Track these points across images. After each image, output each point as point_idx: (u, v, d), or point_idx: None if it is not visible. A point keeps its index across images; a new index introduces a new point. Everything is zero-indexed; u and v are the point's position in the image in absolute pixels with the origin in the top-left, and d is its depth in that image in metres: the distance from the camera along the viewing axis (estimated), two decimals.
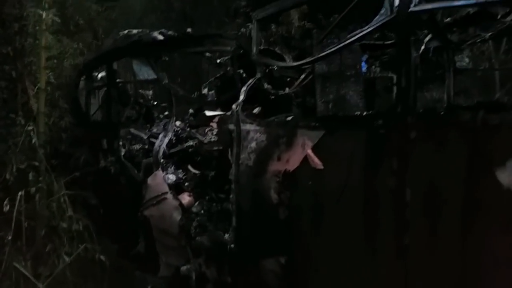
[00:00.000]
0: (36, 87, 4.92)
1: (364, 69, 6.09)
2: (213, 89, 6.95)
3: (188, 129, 6.04)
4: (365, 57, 6.18)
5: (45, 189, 4.62)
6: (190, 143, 5.47)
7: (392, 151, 2.34)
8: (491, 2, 1.98)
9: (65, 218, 4.22)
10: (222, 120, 3.98)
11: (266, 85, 3.81)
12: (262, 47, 7.50)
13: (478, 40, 4.11)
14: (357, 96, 3.38)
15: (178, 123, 6.61)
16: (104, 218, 5.57)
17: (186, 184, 4.70)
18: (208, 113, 6.03)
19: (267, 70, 3.92)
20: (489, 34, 3.95)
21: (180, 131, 6.04)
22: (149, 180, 4.71)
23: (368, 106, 3.62)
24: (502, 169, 1.89)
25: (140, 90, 9.72)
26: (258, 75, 3.75)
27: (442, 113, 3.37)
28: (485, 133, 1.99)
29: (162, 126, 6.09)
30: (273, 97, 5.51)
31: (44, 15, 4.41)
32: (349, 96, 3.30)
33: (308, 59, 3.15)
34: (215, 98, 6.68)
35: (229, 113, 3.90)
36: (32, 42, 5.04)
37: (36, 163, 4.49)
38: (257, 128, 3.37)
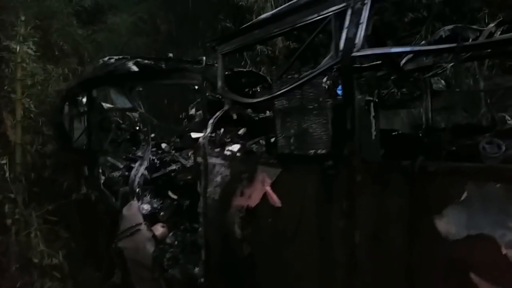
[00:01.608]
0: (14, 120, 4.95)
1: (341, 92, 6.13)
2: (200, 109, 6.98)
3: (173, 151, 6.07)
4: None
5: (22, 221, 4.62)
6: (173, 167, 5.50)
7: (341, 192, 2.35)
8: (425, 51, 2.01)
9: (37, 253, 4.21)
10: (197, 149, 3.99)
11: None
12: (246, 69, 7.60)
13: (439, 71, 4.13)
14: (321, 129, 3.39)
15: (164, 145, 6.64)
16: (83, 247, 5.56)
17: (162, 213, 4.70)
18: (194, 135, 6.06)
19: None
20: (450, 64, 3.99)
21: (164, 154, 6.08)
22: (124, 210, 4.71)
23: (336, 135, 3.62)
24: (440, 217, 1.90)
25: (127, 113, 9.76)
26: (226, 107, 3.78)
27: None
28: (423, 180, 2.00)
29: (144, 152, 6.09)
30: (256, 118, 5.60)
31: (18, 48, 4.45)
32: (312, 129, 3.31)
33: (265, 97, 3.17)
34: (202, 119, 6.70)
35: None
36: (9, 73, 5.09)
37: (12, 195, 4.49)
38: (222, 162, 3.39)
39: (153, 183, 5.22)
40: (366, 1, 2.29)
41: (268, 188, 2.86)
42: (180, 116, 10.69)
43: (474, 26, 4.78)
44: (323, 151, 2.63)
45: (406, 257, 2.03)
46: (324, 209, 2.47)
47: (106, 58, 5.63)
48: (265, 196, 2.90)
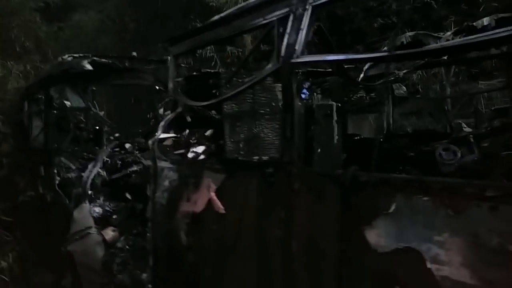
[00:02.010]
0: None
1: (305, 96, 6.13)
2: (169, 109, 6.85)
3: (136, 152, 5.92)
4: (306, 84, 6.22)
5: None
6: (135, 168, 5.36)
7: (279, 201, 2.30)
8: (359, 60, 1.98)
9: None
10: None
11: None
12: (214, 70, 7.50)
13: (391, 78, 4.14)
14: (273, 134, 3.34)
15: (127, 145, 6.47)
16: (36, 249, 5.38)
17: (114, 217, 4.57)
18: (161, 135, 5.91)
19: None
20: (404, 71, 4.00)
21: (127, 154, 5.92)
22: (75, 213, 4.56)
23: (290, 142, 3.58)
24: (370, 228, 1.86)
25: (92, 111, 9.52)
26: (179, 109, 3.69)
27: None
28: (355, 190, 1.96)
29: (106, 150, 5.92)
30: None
31: None
32: (264, 134, 3.25)
33: (212, 101, 3.10)
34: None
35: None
36: None
37: None
38: (170, 166, 3.29)
39: (112, 184, 5.09)
40: (307, 7, 2.24)
41: (213, 194, 2.78)
42: (148, 116, 10.51)
43: (435, 34, 4.83)
44: (273, 157, 2.57)
45: (338, 267, 1.99)
46: (263, 217, 2.41)
47: (65, 56, 5.46)
48: (210, 202, 2.82)
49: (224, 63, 9.78)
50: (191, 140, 3.69)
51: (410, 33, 5.06)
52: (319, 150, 5.64)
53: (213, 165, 2.89)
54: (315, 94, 5.89)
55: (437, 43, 4.52)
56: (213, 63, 9.76)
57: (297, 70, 2.31)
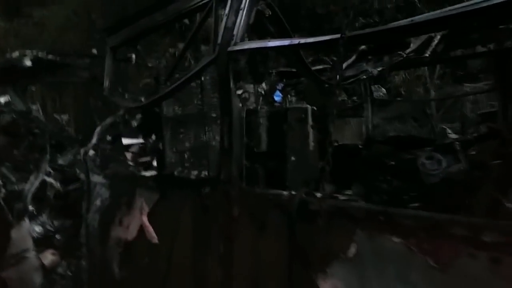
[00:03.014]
0: None
1: (278, 99, 5.66)
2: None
3: (98, 160, 5.36)
4: (280, 86, 5.74)
5: None
6: (95, 178, 4.80)
7: (216, 230, 1.78)
8: (306, 45, 1.49)
9: None
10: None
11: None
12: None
13: (363, 77, 3.66)
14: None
15: (91, 152, 5.89)
16: None
17: (57, 237, 3.99)
18: (126, 141, 5.38)
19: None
20: (379, 69, 3.52)
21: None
22: (13, 233, 3.96)
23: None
24: (323, 276, 1.36)
25: (54, 115, 8.92)
26: (121, 112, 3.16)
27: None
28: (304, 221, 1.46)
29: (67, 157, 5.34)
30: None
31: None
32: (215, 143, 2.73)
33: (148, 101, 2.57)
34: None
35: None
36: None
37: None
38: (103, 181, 2.76)
39: (68, 197, 4.52)
40: None
41: (145, 219, 2.25)
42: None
43: None
44: (206, 175, 2.05)
45: None
46: (198, 251, 1.89)
47: (16, 53, 4.90)
48: (143, 228, 2.30)
49: (197, 62, 9.22)
50: (134, 150, 3.16)
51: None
52: (292, 159, 5.16)
53: (146, 182, 2.36)
54: (289, 96, 5.41)
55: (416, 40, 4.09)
56: (186, 63, 9.21)
57: (236, 60, 1.79)
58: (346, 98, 9.52)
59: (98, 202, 2.75)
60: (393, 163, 4.72)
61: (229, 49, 1.72)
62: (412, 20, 1.22)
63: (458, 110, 7.74)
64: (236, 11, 1.77)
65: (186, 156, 2.61)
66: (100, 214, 2.71)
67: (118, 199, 2.56)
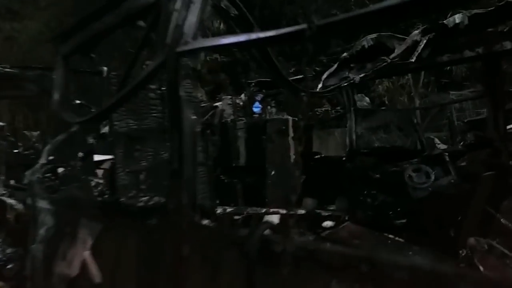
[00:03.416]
0: None
1: (257, 110, 5.38)
2: None
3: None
4: (259, 97, 5.45)
5: None
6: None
7: (163, 271, 1.43)
8: (268, 39, 1.18)
9: None
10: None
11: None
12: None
13: (344, 84, 3.39)
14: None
15: (60, 169, 5.51)
16: None
17: (9, 266, 3.59)
18: (97, 157, 5.02)
19: None
20: (361, 75, 3.25)
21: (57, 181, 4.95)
22: None
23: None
24: None
25: (25, 132, 8.51)
26: (75, 128, 2.82)
27: None
28: (264, 266, 1.12)
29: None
30: None
31: None
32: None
33: (96, 112, 2.22)
34: None
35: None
36: None
37: None
38: (48, 208, 2.39)
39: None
40: None
41: (87, 254, 1.89)
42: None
43: (399, 35, 4.12)
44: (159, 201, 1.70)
45: None
46: None
47: None
48: (86, 264, 1.93)
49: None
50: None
51: (371, 35, 4.36)
52: (272, 173, 4.85)
53: (90, 209, 2.00)
54: (269, 107, 5.12)
55: (400, 45, 3.83)
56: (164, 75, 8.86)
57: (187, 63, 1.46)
58: (329, 108, 9.25)
59: (42, 231, 2.38)
60: (378, 176, 4.44)
61: (178, 49, 1.40)
62: (387, 4, 0.91)
63: (444, 118, 7.57)
64: (187, 5, 1.45)
65: (141, 177, 2.26)
66: (44, 245, 2.34)
67: (62, 228, 2.19)
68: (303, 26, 1.05)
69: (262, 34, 1.17)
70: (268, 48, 2.02)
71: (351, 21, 1.02)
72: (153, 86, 2.39)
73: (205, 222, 1.37)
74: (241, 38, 1.23)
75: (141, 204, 1.73)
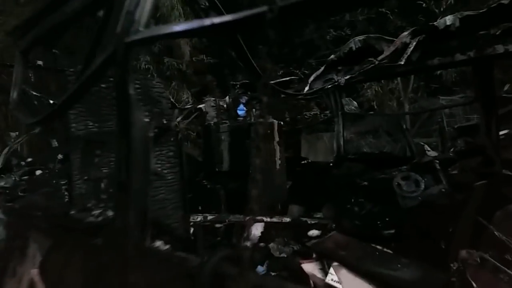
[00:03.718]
0: None
1: (242, 113, 5.17)
2: None
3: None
4: (244, 99, 5.25)
5: None
6: None
7: None
8: (223, 24, 0.98)
9: None
10: None
11: None
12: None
13: (329, 86, 3.21)
14: (165, 166, 2.29)
15: (38, 172, 5.28)
16: None
17: None
18: None
19: None
20: (346, 77, 3.07)
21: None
22: None
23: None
24: None
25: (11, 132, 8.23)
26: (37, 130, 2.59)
27: None
28: None
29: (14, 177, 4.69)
30: None
31: None
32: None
33: (44, 115, 1.99)
34: None
35: None
36: None
37: None
38: (2, 217, 2.16)
39: None
40: None
41: (35, 272, 1.67)
42: None
43: (388, 38, 3.96)
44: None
45: None
46: None
47: None
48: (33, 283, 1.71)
49: (162, 76, 8.72)
50: None
51: (359, 37, 4.20)
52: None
53: (40, 223, 1.78)
54: (254, 110, 4.93)
55: (389, 47, 3.66)
56: (149, 75, 8.68)
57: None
58: (318, 112, 9.03)
59: None
60: (365, 183, 4.25)
61: (128, 39, 1.19)
62: None
63: (434, 124, 7.43)
64: None
65: (102, 186, 2.04)
66: None
67: (12, 242, 1.97)
68: (264, 8, 0.85)
69: (217, 20, 0.97)
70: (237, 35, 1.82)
71: (318, 1, 0.83)
72: None
73: (158, 244, 1.15)
74: (194, 25, 1.03)
75: (91, 219, 1.51)
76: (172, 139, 2.33)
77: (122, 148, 1.23)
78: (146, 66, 8.50)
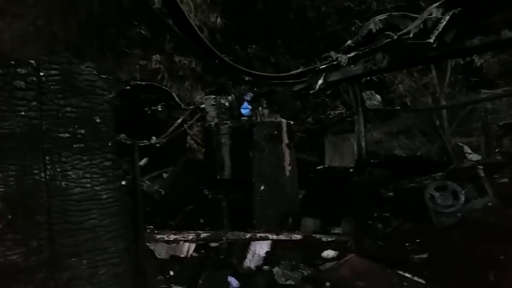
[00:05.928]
0: None
1: (246, 112, 4.56)
2: None
3: None
4: (249, 96, 4.65)
5: None
6: None
7: None
8: None
9: None
10: None
11: None
12: (145, 83, 5.93)
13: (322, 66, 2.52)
14: (97, 179, 1.69)
15: None
16: None
17: None
18: None
19: None
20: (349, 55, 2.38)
21: None
22: None
23: None
24: None
25: None
26: None
27: None
28: None
29: None
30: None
31: None
32: (69, 181, 1.59)
33: None
34: None
35: None
36: None
37: None
38: None
39: None
40: None
41: None
42: None
43: (415, 15, 3.30)
44: None
45: None
46: None
47: None
48: None
49: (173, 76, 8.26)
50: None
51: (379, 16, 3.55)
52: (262, 188, 3.98)
53: None
54: (260, 108, 4.31)
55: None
56: (159, 75, 8.26)
57: None
58: (344, 111, 8.23)
59: None
60: (391, 194, 3.56)
61: None
62: None
63: (476, 121, 6.54)
64: None
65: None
66: None
67: None
68: None
69: None
70: None
71: None
72: (22, 71, 1.58)
73: None
74: None
75: None
76: (109, 143, 1.72)
77: None
78: (157, 66, 8.06)
